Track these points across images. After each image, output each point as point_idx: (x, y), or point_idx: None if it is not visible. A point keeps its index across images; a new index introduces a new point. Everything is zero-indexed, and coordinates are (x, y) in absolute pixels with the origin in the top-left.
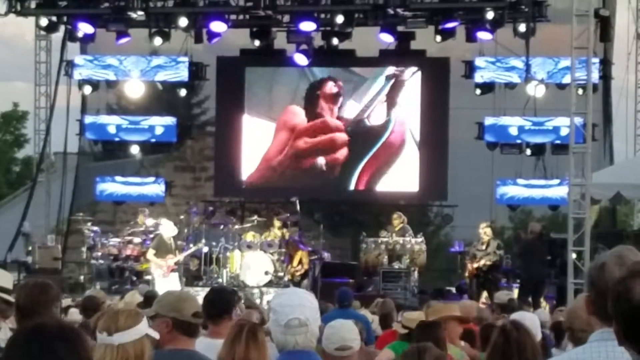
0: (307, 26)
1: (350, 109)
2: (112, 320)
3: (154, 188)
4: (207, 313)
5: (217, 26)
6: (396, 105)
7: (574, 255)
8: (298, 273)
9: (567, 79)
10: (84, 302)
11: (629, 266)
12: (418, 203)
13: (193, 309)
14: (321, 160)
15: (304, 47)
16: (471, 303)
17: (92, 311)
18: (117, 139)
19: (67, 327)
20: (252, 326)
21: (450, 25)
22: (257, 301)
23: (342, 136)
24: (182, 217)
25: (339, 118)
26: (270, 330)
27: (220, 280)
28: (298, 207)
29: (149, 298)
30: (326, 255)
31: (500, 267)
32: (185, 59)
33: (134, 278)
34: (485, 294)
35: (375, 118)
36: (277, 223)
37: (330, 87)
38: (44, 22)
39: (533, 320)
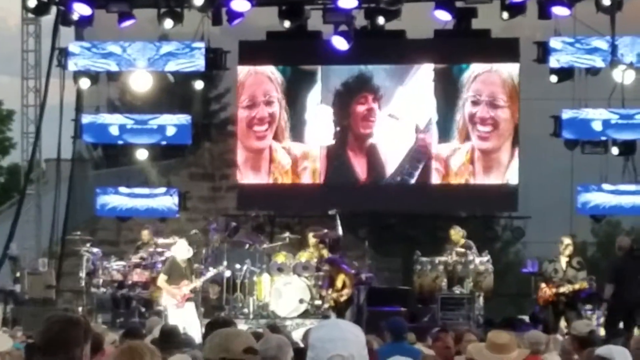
0: (347, 3)
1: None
2: None
3: (166, 200)
4: None
5: (239, 4)
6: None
7: None
8: (342, 298)
9: None
10: None
11: None
12: (482, 214)
13: (243, 344)
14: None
15: (343, 28)
16: (540, 334)
17: (93, 352)
18: (120, 142)
19: None
20: None
21: None
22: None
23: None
24: (197, 233)
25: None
26: None
27: (246, 310)
28: (338, 222)
29: (167, 334)
30: (373, 279)
31: (583, 291)
32: (201, 44)
33: (143, 309)
34: (564, 324)
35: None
36: (313, 241)
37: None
38: (32, 2)
39: (623, 355)
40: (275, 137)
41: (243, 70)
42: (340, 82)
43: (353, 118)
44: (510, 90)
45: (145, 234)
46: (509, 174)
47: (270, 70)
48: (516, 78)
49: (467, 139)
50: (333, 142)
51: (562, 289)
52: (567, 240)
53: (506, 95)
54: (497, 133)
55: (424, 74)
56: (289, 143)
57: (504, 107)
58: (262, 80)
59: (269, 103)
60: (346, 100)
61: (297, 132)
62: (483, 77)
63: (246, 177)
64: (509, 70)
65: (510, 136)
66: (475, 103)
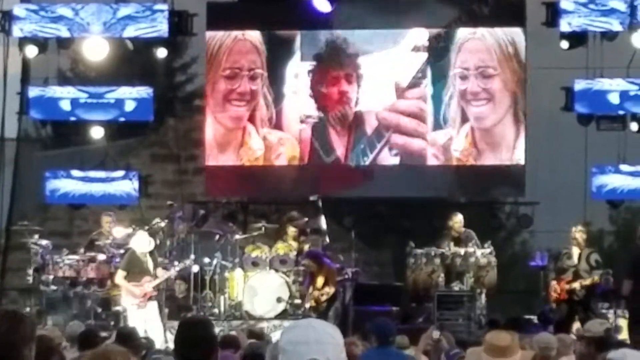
0: None
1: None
2: None
3: (124, 185)
4: (187, 357)
5: None
6: None
7: None
8: (324, 298)
9: None
10: None
11: None
12: (484, 200)
13: None
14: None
15: None
16: (550, 337)
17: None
18: (72, 119)
19: None
20: None
21: None
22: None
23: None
24: (160, 222)
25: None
26: None
27: (216, 310)
28: (321, 210)
29: (124, 336)
30: (360, 275)
31: (599, 287)
32: (164, 7)
33: (99, 309)
34: (577, 324)
35: None
36: (292, 231)
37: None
38: None
39: None
40: (251, 120)
41: (231, 36)
42: (318, 51)
43: (328, 99)
44: (499, 56)
45: (107, 221)
46: (517, 152)
47: (259, 39)
48: (506, 41)
49: (464, 121)
50: (314, 120)
51: (574, 284)
52: (576, 229)
53: (495, 62)
54: (492, 107)
55: (416, 40)
56: (265, 129)
57: (494, 75)
58: (249, 48)
59: (253, 78)
60: (321, 77)
61: (275, 114)
62: (468, 45)
63: (213, 157)
64: (498, 34)
65: (510, 109)
66: (463, 78)
